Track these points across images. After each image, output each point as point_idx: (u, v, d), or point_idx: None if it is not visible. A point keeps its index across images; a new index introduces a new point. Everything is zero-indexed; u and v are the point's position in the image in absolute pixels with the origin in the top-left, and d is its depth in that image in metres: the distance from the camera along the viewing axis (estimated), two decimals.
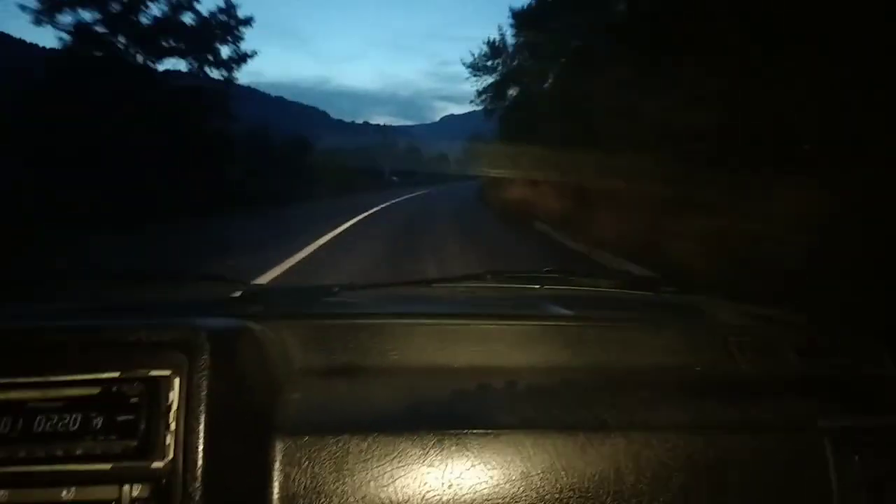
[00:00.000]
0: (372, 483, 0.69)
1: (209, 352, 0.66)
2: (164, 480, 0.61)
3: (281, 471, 0.68)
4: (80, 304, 1.18)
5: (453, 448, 0.71)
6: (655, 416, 0.78)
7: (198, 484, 0.61)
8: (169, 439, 0.63)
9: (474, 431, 0.72)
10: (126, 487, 0.61)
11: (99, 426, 0.63)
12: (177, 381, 0.65)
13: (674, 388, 0.87)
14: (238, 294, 1.18)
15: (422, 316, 1.00)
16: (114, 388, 0.64)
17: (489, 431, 0.72)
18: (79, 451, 0.62)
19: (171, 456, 0.62)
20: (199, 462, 0.61)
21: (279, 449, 0.69)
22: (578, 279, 1.33)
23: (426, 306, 1.23)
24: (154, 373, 0.65)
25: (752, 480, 0.73)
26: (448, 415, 0.76)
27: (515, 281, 1.31)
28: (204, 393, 0.64)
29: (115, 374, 0.65)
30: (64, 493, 0.61)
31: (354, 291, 1.27)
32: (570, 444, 0.72)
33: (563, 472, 0.71)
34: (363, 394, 0.82)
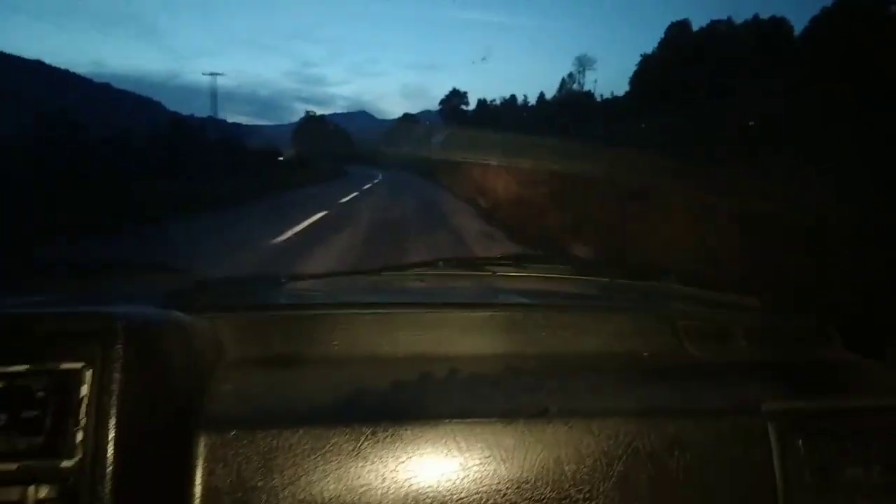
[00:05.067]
0: (302, 479, 0.66)
1: (125, 343, 0.62)
2: (71, 480, 0.57)
3: (204, 468, 0.65)
4: None
5: (388, 440, 0.68)
6: (599, 403, 0.76)
7: (107, 484, 0.57)
8: (79, 436, 0.59)
9: (410, 423, 0.69)
10: (31, 488, 0.57)
11: (2, 423, 0.59)
12: (89, 374, 0.60)
13: (621, 374, 0.86)
14: (181, 285, 1.14)
15: (365, 305, 0.97)
16: (19, 383, 0.60)
17: (425, 422, 0.70)
18: None
19: (80, 454, 0.58)
20: (110, 460, 0.58)
21: (203, 445, 0.66)
22: (531, 265, 1.31)
23: (372, 295, 1.20)
24: (64, 365, 0.61)
25: (694, 466, 0.72)
26: (384, 406, 0.73)
27: (468, 267, 1.28)
28: (117, 387, 0.60)
29: (22, 368, 0.61)
30: None
31: (302, 281, 1.23)
32: (508, 432, 0.70)
33: (501, 463, 0.69)
34: (298, 386, 0.78)
